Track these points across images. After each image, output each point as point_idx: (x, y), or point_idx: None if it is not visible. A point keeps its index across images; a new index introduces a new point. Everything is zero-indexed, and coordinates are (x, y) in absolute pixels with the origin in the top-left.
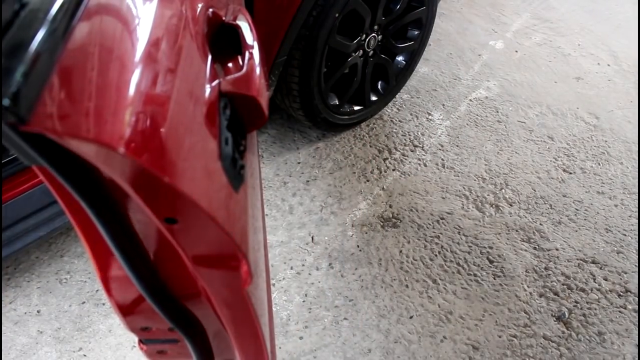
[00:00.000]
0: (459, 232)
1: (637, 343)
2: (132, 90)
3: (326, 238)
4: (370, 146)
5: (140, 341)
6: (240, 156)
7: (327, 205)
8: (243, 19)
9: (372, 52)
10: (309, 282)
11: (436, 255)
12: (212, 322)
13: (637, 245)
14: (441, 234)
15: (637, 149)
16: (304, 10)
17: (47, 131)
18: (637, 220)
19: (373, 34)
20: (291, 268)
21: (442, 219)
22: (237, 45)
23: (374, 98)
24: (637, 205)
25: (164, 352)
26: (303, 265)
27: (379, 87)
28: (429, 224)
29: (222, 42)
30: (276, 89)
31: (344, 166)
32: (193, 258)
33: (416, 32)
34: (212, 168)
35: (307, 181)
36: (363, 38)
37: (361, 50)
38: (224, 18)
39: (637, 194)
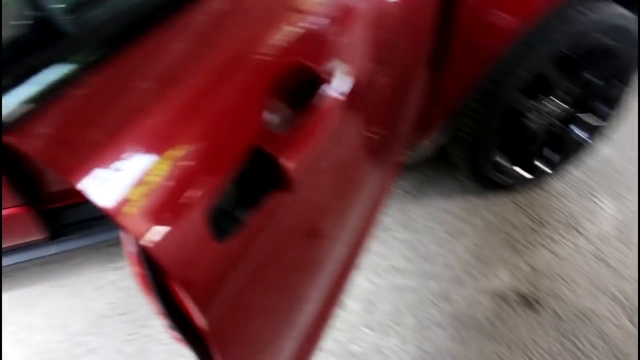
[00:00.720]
0: (601, 338)
1: None
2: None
3: (458, 298)
4: (525, 215)
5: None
6: (243, 212)
7: (467, 264)
8: (337, 76)
9: (550, 117)
10: (429, 338)
11: (569, 355)
12: None
13: None
14: (581, 333)
15: None
16: (495, 64)
17: (23, 149)
18: None
19: (556, 100)
20: (414, 317)
21: (585, 317)
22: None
23: (540, 165)
24: None
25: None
26: (428, 319)
27: (549, 155)
28: (570, 318)
29: (310, 92)
30: (448, 133)
31: (492, 228)
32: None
33: (605, 108)
34: (191, 218)
35: (452, 233)
36: (544, 101)
37: (538, 113)
38: (315, 68)
39: None
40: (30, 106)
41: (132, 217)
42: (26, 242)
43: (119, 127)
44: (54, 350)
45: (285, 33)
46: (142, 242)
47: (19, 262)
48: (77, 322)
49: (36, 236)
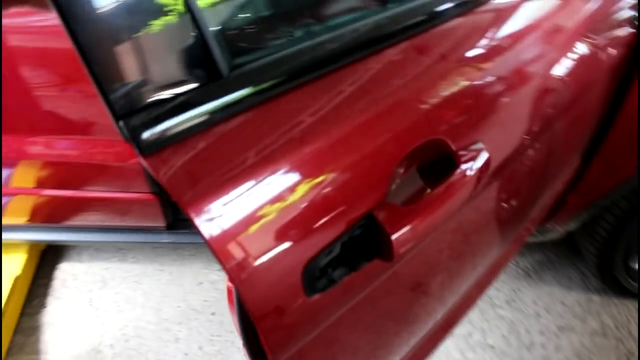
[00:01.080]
0: None
1: None
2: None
3: None
4: None
5: None
6: (340, 274)
7: None
8: (478, 159)
9: None
10: None
11: None
12: None
13: None
14: None
15: None
16: None
17: (154, 173)
18: None
19: None
20: None
21: None
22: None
23: None
24: None
25: None
26: None
27: None
28: None
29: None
30: (582, 222)
31: (609, 336)
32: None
33: None
34: (285, 264)
35: (562, 327)
36: None
37: None
38: (455, 152)
39: None
40: (173, 134)
41: (227, 251)
42: (147, 226)
43: (242, 169)
44: (145, 329)
45: (448, 90)
46: (230, 273)
47: (136, 242)
48: (171, 309)
49: (157, 223)
